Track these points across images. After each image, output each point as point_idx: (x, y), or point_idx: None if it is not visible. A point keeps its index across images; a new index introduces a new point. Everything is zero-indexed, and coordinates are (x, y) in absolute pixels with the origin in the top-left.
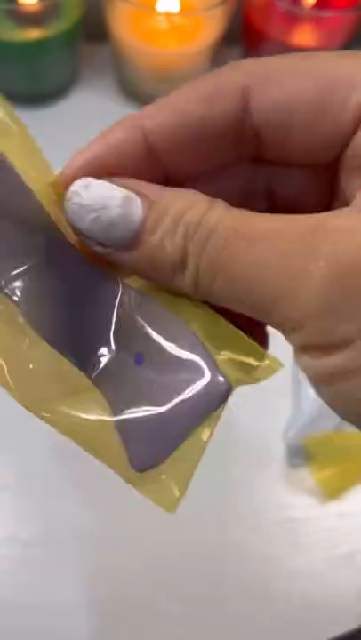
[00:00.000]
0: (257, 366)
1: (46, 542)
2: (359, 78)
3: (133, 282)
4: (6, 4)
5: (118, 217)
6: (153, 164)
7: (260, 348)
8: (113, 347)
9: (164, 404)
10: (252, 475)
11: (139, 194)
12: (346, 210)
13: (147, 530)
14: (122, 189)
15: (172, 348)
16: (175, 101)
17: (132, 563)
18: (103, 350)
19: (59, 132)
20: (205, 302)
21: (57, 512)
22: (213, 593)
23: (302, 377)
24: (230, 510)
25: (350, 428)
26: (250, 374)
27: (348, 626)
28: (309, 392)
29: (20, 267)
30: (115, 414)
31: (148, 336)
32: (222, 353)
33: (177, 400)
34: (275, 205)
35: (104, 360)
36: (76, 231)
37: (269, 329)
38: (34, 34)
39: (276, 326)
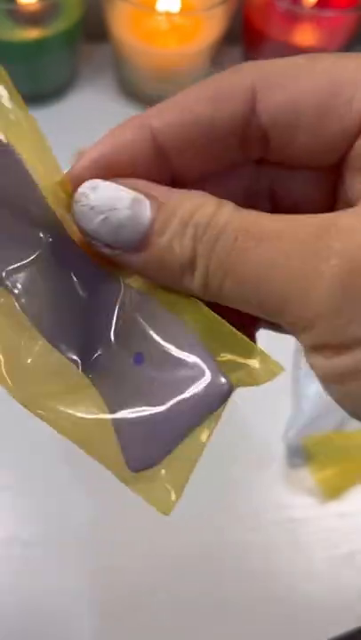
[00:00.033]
0: (258, 368)
1: (46, 542)
2: None
3: (134, 282)
4: (6, 4)
5: (127, 218)
6: (160, 165)
7: (261, 351)
8: (112, 345)
9: (163, 404)
10: (252, 475)
11: (147, 195)
12: (356, 209)
13: (147, 530)
14: (130, 191)
15: (172, 348)
16: (183, 101)
17: (132, 563)
18: (102, 349)
19: (58, 132)
20: (207, 304)
21: (57, 512)
22: (213, 593)
23: (302, 377)
24: (230, 510)
25: (350, 428)
26: (251, 376)
27: (349, 626)
28: (309, 392)
29: (22, 260)
30: (112, 413)
31: (148, 336)
32: (223, 354)
33: (177, 399)
34: (277, 207)
35: (103, 358)
36: (84, 233)
37: (264, 332)
38: (33, 34)
39: (287, 326)
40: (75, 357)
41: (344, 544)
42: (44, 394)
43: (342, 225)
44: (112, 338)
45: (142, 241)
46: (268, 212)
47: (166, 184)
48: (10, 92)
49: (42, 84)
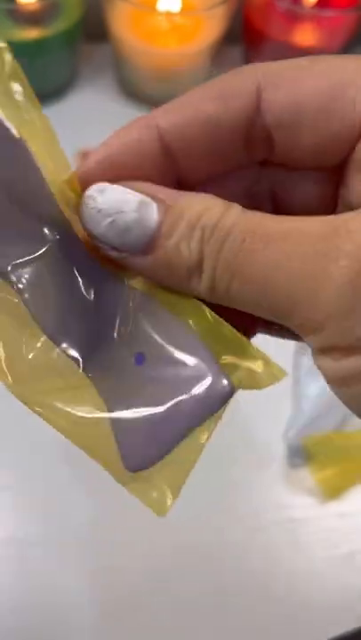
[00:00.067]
0: (261, 372)
1: (46, 542)
2: None
3: (137, 283)
4: (6, 4)
5: (134, 221)
6: (167, 166)
7: (263, 355)
8: (114, 345)
9: (162, 404)
10: (253, 475)
11: (154, 198)
12: None
13: (147, 530)
14: (137, 194)
15: (173, 348)
16: (189, 101)
17: (132, 563)
18: (103, 348)
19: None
20: (209, 306)
21: (57, 512)
22: (213, 593)
23: (302, 377)
24: (230, 510)
25: (350, 428)
26: (253, 379)
27: (349, 626)
28: (309, 392)
29: (28, 255)
30: (111, 412)
31: (150, 337)
32: (225, 356)
33: (177, 400)
34: (279, 208)
35: (103, 358)
36: (91, 236)
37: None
38: (33, 33)
39: (295, 328)
40: (76, 355)
41: (344, 544)
42: (43, 391)
43: (351, 226)
44: (114, 337)
45: (149, 244)
46: (269, 212)
47: (172, 185)
48: (25, 90)
49: (42, 84)
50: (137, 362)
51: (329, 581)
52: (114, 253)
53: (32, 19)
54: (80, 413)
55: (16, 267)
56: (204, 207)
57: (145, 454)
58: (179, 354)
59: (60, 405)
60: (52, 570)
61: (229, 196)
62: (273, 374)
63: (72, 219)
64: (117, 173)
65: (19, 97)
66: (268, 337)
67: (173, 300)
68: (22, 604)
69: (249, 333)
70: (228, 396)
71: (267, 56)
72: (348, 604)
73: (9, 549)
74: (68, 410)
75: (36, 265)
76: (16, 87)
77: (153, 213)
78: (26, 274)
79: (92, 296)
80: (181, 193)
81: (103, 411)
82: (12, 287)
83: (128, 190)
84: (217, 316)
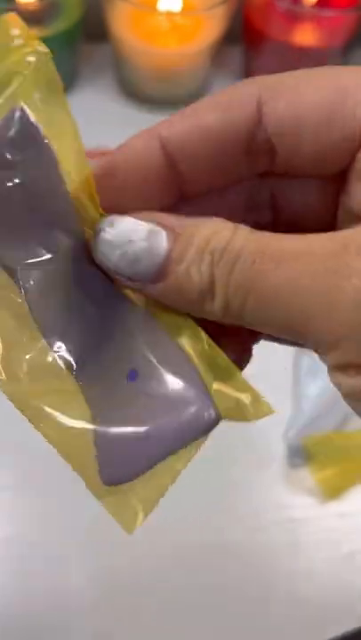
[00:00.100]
0: (248, 405)
1: (46, 542)
2: None
3: (140, 300)
4: (6, 4)
5: (144, 250)
6: (170, 177)
7: (253, 389)
8: (109, 358)
9: (147, 423)
10: (253, 475)
11: (163, 226)
12: None
13: (146, 530)
14: (146, 223)
15: (166, 370)
16: (191, 113)
17: (132, 563)
18: (98, 359)
19: None
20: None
21: (57, 512)
22: (213, 593)
23: (302, 377)
24: (230, 510)
25: (350, 428)
26: (240, 411)
27: (349, 626)
28: (309, 392)
29: (38, 257)
30: (96, 423)
31: (145, 355)
32: (216, 384)
33: (162, 421)
34: (279, 216)
35: (97, 369)
36: (106, 268)
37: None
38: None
39: (310, 346)
40: (71, 362)
41: (344, 544)
42: (34, 393)
43: None
44: (110, 350)
45: (160, 272)
46: (269, 220)
47: (175, 197)
48: (57, 88)
49: None
50: (130, 378)
51: (329, 581)
52: (129, 283)
53: (32, 19)
54: (65, 420)
55: (25, 267)
56: (212, 231)
57: (123, 470)
58: (171, 377)
59: (48, 410)
60: (52, 570)
61: (230, 205)
62: (261, 409)
63: (86, 224)
64: (121, 181)
65: (51, 96)
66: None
67: (172, 321)
68: (22, 603)
69: (249, 344)
70: (212, 426)
71: (267, 56)
72: (349, 604)
73: (9, 549)
74: (56, 415)
75: (44, 268)
76: (50, 84)
77: (162, 241)
78: (33, 276)
79: (95, 307)
80: (189, 219)
81: (88, 421)
82: (19, 287)
83: (137, 221)
84: (213, 343)
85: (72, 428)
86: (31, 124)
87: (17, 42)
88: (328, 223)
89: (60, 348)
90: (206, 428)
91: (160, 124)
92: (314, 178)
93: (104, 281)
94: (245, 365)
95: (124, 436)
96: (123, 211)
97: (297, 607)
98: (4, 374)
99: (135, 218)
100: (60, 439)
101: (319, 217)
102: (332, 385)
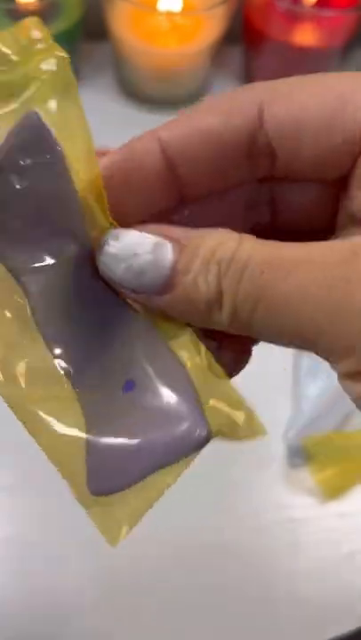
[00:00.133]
0: (241, 425)
1: (46, 542)
2: None
3: (141, 311)
4: (6, 4)
5: (149, 263)
6: (170, 180)
7: (248, 408)
8: (107, 367)
9: (139, 436)
10: (253, 475)
11: (168, 238)
12: None
13: (146, 530)
14: (151, 236)
15: (162, 384)
16: (192, 116)
17: (132, 563)
18: (96, 367)
19: None
20: (213, 361)
21: (57, 512)
22: (213, 593)
23: (302, 377)
24: (230, 510)
25: (350, 428)
26: (233, 430)
27: (349, 626)
28: (309, 393)
29: (43, 262)
30: (89, 432)
31: (143, 366)
32: (211, 399)
33: (154, 435)
34: (278, 218)
35: (95, 377)
36: (111, 282)
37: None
38: None
39: (320, 354)
40: (68, 369)
41: (344, 544)
42: (30, 397)
43: None
44: (109, 359)
45: (166, 284)
46: (267, 222)
47: (175, 200)
48: (74, 91)
49: None
50: (126, 388)
51: (329, 581)
52: (134, 296)
53: None
54: (59, 428)
55: (31, 271)
56: (217, 242)
57: (111, 481)
58: (166, 390)
59: (43, 415)
60: (52, 570)
61: (230, 208)
62: (253, 430)
63: (94, 229)
64: (121, 183)
65: (66, 98)
66: None
67: (173, 333)
68: (22, 603)
69: (249, 345)
70: (202, 444)
71: (267, 56)
72: (349, 604)
73: (9, 549)
74: (50, 421)
75: (49, 273)
76: (67, 95)
77: (168, 253)
78: (38, 280)
79: (97, 314)
80: (194, 230)
81: (82, 429)
82: (23, 290)
83: (142, 234)
84: (212, 359)
85: (65, 435)
86: (44, 128)
87: (39, 46)
88: (328, 227)
89: (60, 354)
90: (197, 446)
91: (160, 127)
92: (314, 182)
93: (107, 289)
94: (245, 366)
95: (116, 446)
96: (122, 212)
97: (297, 607)
98: (1, 376)
99: (140, 231)
100: (52, 446)
101: (319, 221)
102: (331, 385)
